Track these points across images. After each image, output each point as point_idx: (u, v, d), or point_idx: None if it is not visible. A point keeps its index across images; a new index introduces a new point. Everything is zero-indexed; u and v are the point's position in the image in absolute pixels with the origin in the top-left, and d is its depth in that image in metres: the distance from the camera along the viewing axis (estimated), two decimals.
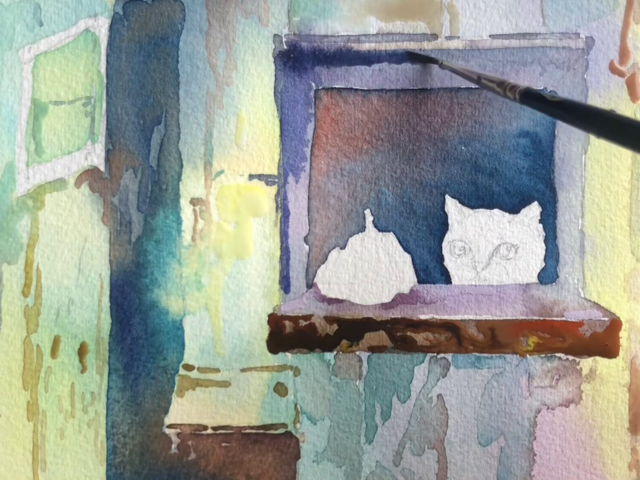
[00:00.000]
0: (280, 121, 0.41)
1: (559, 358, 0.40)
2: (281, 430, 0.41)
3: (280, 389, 0.41)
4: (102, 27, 0.42)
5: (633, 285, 0.40)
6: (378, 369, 0.41)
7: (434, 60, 0.40)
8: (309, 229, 0.41)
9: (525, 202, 0.41)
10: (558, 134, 0.41)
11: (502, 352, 0.40)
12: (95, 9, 0.42)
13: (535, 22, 0.41)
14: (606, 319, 0.40)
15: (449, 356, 0.41)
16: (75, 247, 0.41)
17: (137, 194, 0.41)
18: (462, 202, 0.41)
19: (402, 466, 0.41)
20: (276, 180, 0.41)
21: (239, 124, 0.41)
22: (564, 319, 0.40)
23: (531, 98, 0.29)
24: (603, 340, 0.40)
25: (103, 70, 0.42)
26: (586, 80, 0.40)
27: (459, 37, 0.41)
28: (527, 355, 0.40)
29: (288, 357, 0.41)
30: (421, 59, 0.40)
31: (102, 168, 0.42)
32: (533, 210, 0.41)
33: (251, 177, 0.41)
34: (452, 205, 0.41)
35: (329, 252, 0.41)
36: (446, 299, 0.41)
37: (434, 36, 0.41)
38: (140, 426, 0.41)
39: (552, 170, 0.41)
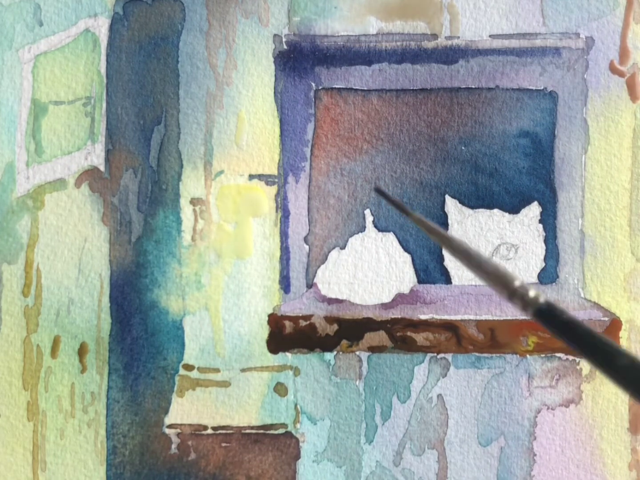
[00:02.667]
0: (280, 121, 0.41)
1: (559, 358, 0.40)
2: (281, 430, 0.41)
3: (280, 389, 0.41)
4: (102, 27, 0.42)
5: (633, 285, 0.40)
6: (378, 369, 0.41)
7: (404, 211, 0.33)
8: (309, 229, 0.41)
9: (525, 202, 0.41)
10: (558, 134, 0.41)
11: (502, 352, 0.40)
12: (95, 9, 0.42)
13: (535, 22, 0.41)
14: (606, 319, 0.40)
15: (449, 356, 0.41)
16: (75, 247, 0.41)
17: (137, 194, 0.41)
18: (462, 202, 0.41)
19: (402, 466, 0.41)
20: (276, 180, 0.41)
21: (239, 124, 0.41)
22: None
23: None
24: None
25: (103, 70, 0.42)
26: (586, 80, 0.40)
27: (459, 37, 0.41)
28: (527, 355, 0.40)
29: (288, 357, 0.41)
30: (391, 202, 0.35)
31: (102, 168, 0.42)
32: (533, 210, 0.41)
33: (251, 177, 0.41)
34: (452, 205, 0.41)
35: (329, 252, 0.41)
36: (446, 299, 0.41)
37: (434, 36, 0.41)
38: (140, 426, 0.41)
39: (552, 170, 0.41)
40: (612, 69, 0.40)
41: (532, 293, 0.22)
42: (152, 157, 0.41)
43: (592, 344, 0.19)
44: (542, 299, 0.22)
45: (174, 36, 0.41)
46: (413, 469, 0.41)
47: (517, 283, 0.22)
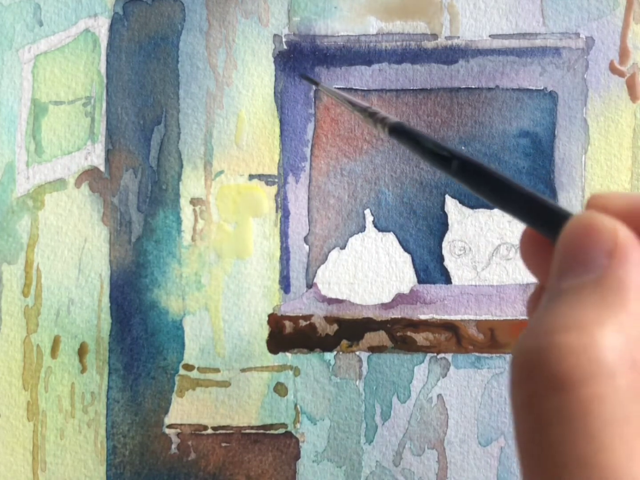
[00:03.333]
0: (280, 121, 0.41)
1: None
2: (281, 430, 0.41)
3: (280, 389, 0.41)
4: (102, 27, 0.42)
5: None
6: (378, 369, 0.41)
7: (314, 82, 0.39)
8: (309, 229, 0.41)
9: None
10: (558, 134, 0.41)
11: (502, 352, 0.40)
12: (95, 9, 0.42)
13: (535, 22, 0.41)
14: None
15: (449, 356, 0.41)
16: (75, 247, 0.41)
17: (137, 194, 0.41)
18: (462, 202, 0.41)
19: (402, 466, 0.41)
20: (276, 180, 0.41)
21: (239, 124, 0.41)
22: None
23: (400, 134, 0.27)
24: None
25: (103, 70, 0.42)
26: (586, 80, 0.40)
27: (459, 37, 0.41)
28: None
29: (288, 357, 0.41)
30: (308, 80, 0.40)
31: (102, 168, 0.42)
32: None
33: (251, 177, 0.41)
34: (452, 205, 0.41)
35: (329, 252, 0.41)
36: (446, 299, 0.41)
37: (434, 36, 0.41)
38: (140, 426, 0.41)
39: (552, 170, 0.41)
40: (612, 69, 0.40)
41: (388, 115, 0.28)
42: (152, 157, 0.41)
43: (431, 150, 0.24)
44: (394, 119, 0.28)
45: (174, 36, 0.41)
46: (413, 469, 0.41)
47: (375, 109, 0.29)
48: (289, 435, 0.41)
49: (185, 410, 0.41)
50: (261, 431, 0.41)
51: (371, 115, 0.29)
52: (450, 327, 0.40)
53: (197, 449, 0.41)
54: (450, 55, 0.41)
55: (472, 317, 0.40)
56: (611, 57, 0.40)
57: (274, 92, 0.41)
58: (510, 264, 0.41)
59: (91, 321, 0.41)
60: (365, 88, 0.41)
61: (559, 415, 0.15)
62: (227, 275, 0.41)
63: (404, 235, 0.41)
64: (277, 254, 0.41)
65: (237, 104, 0.41)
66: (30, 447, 0.41)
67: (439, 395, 0.41)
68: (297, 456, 0.41)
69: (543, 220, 0.19)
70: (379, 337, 0.40)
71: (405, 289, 0.41)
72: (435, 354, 0.40)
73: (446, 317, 0.40)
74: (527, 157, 0.41)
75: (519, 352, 0.16)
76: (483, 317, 0.40)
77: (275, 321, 0.41)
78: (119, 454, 0.41)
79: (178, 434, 0.41)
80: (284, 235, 0.41)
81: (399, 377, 0.41)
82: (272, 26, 0.41)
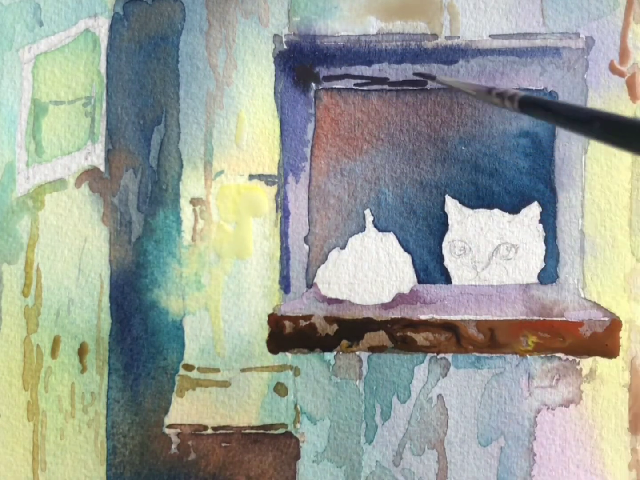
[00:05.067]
0: (280, 121, 0.41)
1: (559, 358, 0.40)
2: (281, 430, 0.41)
3: (280, 389, 0.41)
4: (102, 27, 0.42)
5: (633, 285, 0.40)
6: (378, 369, 0.41)
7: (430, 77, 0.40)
8: (309, 229, 0.41)
9: (525, 202, 0.41)
10: (558, 134, 0.41)
11: (502, 352, 0.40)
12: (95, 9, 0.42)
13: (535, 22, 0.41)
14: (606, 319, 0.40)
15: (449, 356, 0.41)
16: (75, 247, 0.41)
17: (137, 194, 0.41)
18: (462, 202, 0.41)
19: (402, 466, 0.41)
20: (276, 180, 0.41)
21: (239, 124, 0.41)
22: (564, 319, 0.40)
23: (530, 105, 0.29)
24: (603, 340, 0.40)
25: (103, 70, 0.42)
26: (586, 80, 0.40)
27: (459, 37, 0.41)
28: (527, 355, 0.40)
29: (288, 357, 0.41)
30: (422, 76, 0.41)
31: (102, 168, 0.42)
32: (533, 210, 0.41)
33: (251, 177, 0.41)
34: (452, 205, 0.41)
35: (329, 252, 0.41)
36: (446, 299, 0.41)
37: (434, 36, 0.41)
38: (140, 426, 0.41)
39: (552, 170, 0.41)
40: (612, 69, 0.40)
41: (513, 91, 0.30)
42: (152, 157, 0.41)
43: (570, 114, 0.25)
44: (521, 93, 0.30)
45: (174, 36, 0.41)
46: (413, 469, 0.41)
47: (499, 89, 0.32)
48: (289, 435, 0.41)
49: (185, 410, 0.41)
50: (261, 431, 0.41)
51: (498, 96, 0.31)
52: (450, 327, 0.40)
53: (197, 449, 0.41)
54: (450, 55, 0.41)
55: (472, 317, 0.40)
56: (611, 57, 0.40)
57: (274, 92, 0.41)
58: (510, 264, 0.41)
59: (91, 321, 0.41)
60: (366, 88, 0.41)
61: None
62: (227, 275, 0.41)
63: (404, 235, 0.41)
64: (277, 254, 0.41)
65: (237, 104, 0.41)
66: (30, 447, 0.41)
67: (439, 395, 0.41)
68: (297, 456, 0.41)
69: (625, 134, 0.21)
70: (379, 337, 0.40)
71: (405, 289, 0.41)
72: (435, 354, 0.41)
73: (446, 317, 0.40)
74: (527, 157, 0.41)
75: None
76: (483, 317, 0.40)
77: (275, 321, 0.41)
78: (119, 454, 0.41)
79: (178, 434, 0.41)
80: (284, 235, 0.41)
81: (399, 377, 0.41)
82: (272, 26, 0.41)
